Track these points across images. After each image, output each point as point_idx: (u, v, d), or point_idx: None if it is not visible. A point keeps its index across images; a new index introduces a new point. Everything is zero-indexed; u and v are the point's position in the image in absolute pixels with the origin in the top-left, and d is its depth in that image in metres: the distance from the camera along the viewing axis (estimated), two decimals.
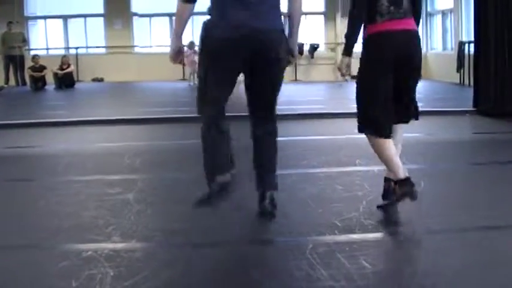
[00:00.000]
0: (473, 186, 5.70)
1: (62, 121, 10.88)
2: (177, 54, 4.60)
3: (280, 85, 4.58)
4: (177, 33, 4.58)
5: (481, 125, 10.20)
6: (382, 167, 5.89)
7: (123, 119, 10.94)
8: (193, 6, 4.40)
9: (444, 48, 21.51)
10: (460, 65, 17.94)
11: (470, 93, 11.69)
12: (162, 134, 9.66)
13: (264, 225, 4.49)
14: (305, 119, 10.78)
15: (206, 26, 4.40)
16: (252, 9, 4.25)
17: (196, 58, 20.47)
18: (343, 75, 4.81)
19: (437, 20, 22.29)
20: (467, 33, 17.83)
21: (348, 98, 15.24)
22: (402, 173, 4.51)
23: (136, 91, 19.79)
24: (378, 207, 4.75)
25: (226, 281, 3.54)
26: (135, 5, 23.68)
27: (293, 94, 16.07)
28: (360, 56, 4.59)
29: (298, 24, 4.62)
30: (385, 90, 4.52)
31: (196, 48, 21.45)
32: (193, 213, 4.72)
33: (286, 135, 8.99)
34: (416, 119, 4.83)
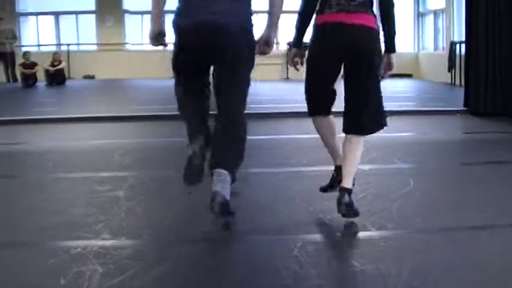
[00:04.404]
0: (462, 186, 5.71)
1: (51, 118, 10.82)
2: (157, 37, 4.55)
3: (246, 82, 4.51)
4: (155, 15, 4.53)
5: (471, 124, 10.21)
6: (372, 166, 5.92)
7: (113, 116, 10.90)
8: None
9: (436, 48, 21.53)
10: (451, 65, 17.95)
11: (461, 93, 11.71)
12: (153, 132, 9.65)
13: (253, 223, 4.48)
14: (295, 117, 10.76)
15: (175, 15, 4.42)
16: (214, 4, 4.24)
17: None
18: (293, 66, 4.72)
19: (429, 20, 22.31)
20: (459, 33, 17.85)
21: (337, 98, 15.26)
22: (337, 160, 4.61)
23: (128, 88, 19.74)
24: (321, 189, 4.81)
25: (215, 278, 3.54)
26: (126, 2, 23.64)
27: (284, 93, 16.07)
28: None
29: (278, 16, 4.56)
30: (323, 81, 4.51)
31: None
32: (183, 210, 4.74)
33: (275, 134, 9.03)
34: (382, 127, 4.59)
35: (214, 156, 4.35)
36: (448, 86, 17.82)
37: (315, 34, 4.47)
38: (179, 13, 4.38)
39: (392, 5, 4.46)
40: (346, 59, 4.39)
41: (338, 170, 4.60)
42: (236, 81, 4.45)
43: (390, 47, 4.51)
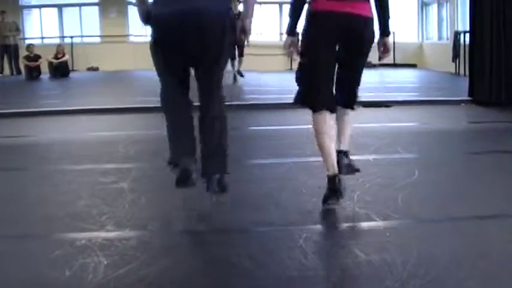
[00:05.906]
0: (467, 175, 5.70)
1: (55, 110, 10.82)
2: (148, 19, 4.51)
3: (222, 67, 4.58)
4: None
5: (476, 114, 10.18)
6: (377, 156, 5.90)
7: (117, 108, 10.89)
8: None
9: (440, 37, 21.49)
10: (455, 55, 17.90)
11: (465, 82, 11.67)
12: (157, 123, 9.56)
13: (258, 214, 4.48)
14: (299, 107, 10.74)
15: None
16: None
17: None
18: (289, 55, 4.75)
19: (433, 9, 22.28)
20: (463, 22, 17.81)
21: None
22: (331, 168, 4.46)
23: (131, 80, 19.71)
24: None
25: (220, 269, 3.54)
26: None
27: (287, 83, 16.03)
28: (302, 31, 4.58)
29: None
30: (324, 68, 4.51)
31: None
32: (187, 202, 4.73)
33: (280, 124, 9.02)
34: (352, 108, 4.73)
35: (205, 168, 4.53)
36: (452, 76, 17.77)
37: (308, 22, 4.50)
38: (156, 3, 4.39)
39: None
40: (340, 44, 4.47)
41: (329, 179, 4.49)
42: (216, 70, 4.53)
43: (386, 30, 4.65)
